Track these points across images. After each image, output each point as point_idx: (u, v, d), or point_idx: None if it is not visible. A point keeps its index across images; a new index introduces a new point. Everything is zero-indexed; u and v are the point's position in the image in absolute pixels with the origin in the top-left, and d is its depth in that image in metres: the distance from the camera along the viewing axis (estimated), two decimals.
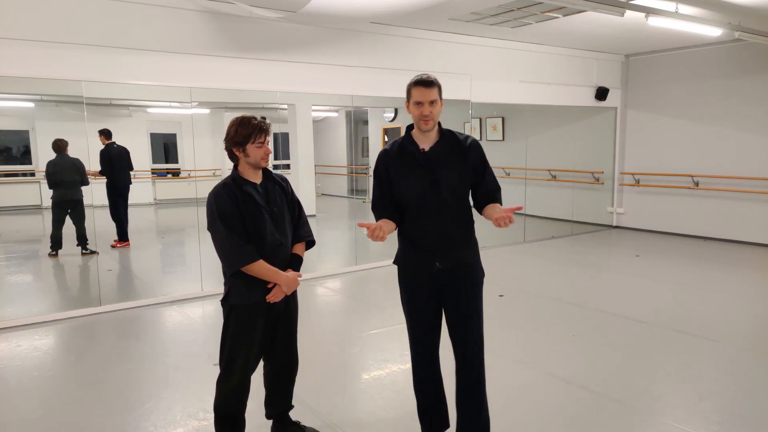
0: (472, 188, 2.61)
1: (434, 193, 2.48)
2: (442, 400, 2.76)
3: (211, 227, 2.55)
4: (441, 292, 2.58)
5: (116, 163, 7.77)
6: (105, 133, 7.80)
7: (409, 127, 2.60)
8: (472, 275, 2.59)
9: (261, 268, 2.53)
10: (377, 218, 2.56)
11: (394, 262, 2.69)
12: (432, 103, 2.45)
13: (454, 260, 2.54)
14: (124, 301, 5.42)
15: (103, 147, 7.75)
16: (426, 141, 2.53)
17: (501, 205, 2.55)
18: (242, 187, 2.55)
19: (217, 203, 2.52)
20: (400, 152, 2.56)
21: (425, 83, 2.44)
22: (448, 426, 2.78)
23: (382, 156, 2.61)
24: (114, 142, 7.84)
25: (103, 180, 7.78)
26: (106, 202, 7.82)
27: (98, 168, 7.65)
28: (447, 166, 2.51)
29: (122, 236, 7.91)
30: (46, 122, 10.66)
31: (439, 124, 2.58)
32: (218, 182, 2.61)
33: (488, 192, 2.58)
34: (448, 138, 2.56)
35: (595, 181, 9.65)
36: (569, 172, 9.86)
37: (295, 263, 2.72)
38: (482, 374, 2.63)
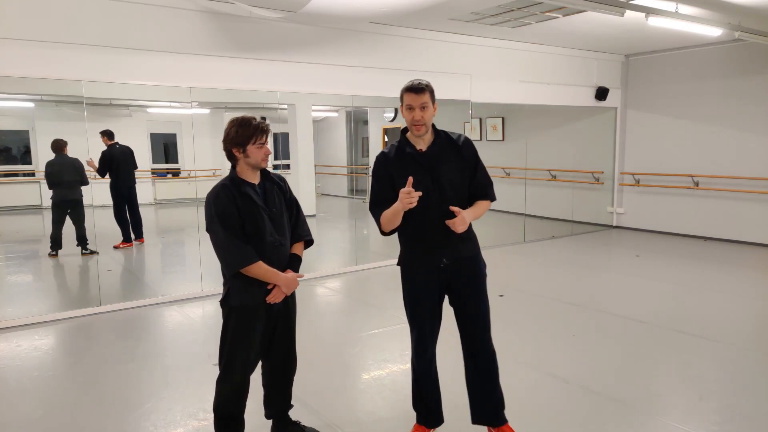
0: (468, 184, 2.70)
1: (437, 190, 2.55)
2: (438, 397, 2.85)
3: (209, 228, 2.54)
4: (446, 288, 2.68)
5: (119, 164, 7.74)
6: (107, 134, 7.75)
7: (404, 130, 2.68)
8: (477, 268, 2.70)
9: (260, 270, 2.52)
10: (377, 215, 2.63)
11: (398, 264, 2.74)
12: (423, 108, 2.52)
13: (459, 254, 2.64)
14: (124, 301, 5.42)
15: (105, 148, 7.73)
16: (422, 142, 2.63)
17: (492, 199, 2.71)
18: (241, 188, 2.54)
19: (215, 204, 2.50)
20: (398, 154, 2.63)
21: (415, 89, 2.51)
22: (442, 422, 2.87)
23: (382, 158, 2.68)
24: (117, 143, 7.81)
25: (104, 180, 7.77)
26: (107, 202, 7.82)
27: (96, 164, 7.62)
28: (445, 163, 2.60)
29: (137, 235, 7.98)
30: (46, 122, 10.65)
31: (433, 125, 2.66)
32: (216, 183, 2.59)
33: (479, 187, 2.68)
34: (442, 138, 2.65)
35: (595, 181, 9.65)
36: (569, 172, 9.86)
37: (294, 263, 2.72)
38: (493, 359, 2.75)
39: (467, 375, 2.78)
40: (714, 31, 6.43)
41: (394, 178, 2.59)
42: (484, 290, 2.72)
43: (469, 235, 2.69)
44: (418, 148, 2.62)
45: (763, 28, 6.58)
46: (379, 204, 2.63)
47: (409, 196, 2.42)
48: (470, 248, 2.69)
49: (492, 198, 2.72)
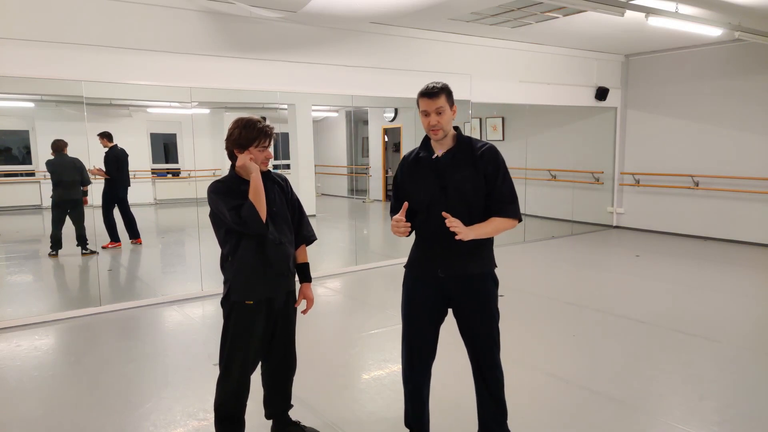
0: (486, 197, 2.48)
1: (443, 199, 2.43)
2: (426, 412, 2.72)
3: (211, 214, 2.58)
4: (447, 302, 2.56)
5: (122, 166, 7.78)
6: (107, 136, 7.76)
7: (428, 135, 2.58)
8: (483, 286, 2.50)
9: (253, 196, 2.47)
10: None
11: (405, 266, 2.67)
12: (438, 113, 2.39)
13: (458, 270, 2.47)
14: (124, 301, 5.42)
15: (107, 149, 7.73)
16: (441, 148, 2.50)
17: (513, 217, 2.46)
18: (240, 187, 2.54)
19: (216, 193, 2.53)
20: (415, 158, 2.57)
21: (428, 94, 2.39)
22: None
23: (402, 162, 2.64)
24: (116, 145, 7.84)
25: (101, 180, 7.78)
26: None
27: (103, 168, 7.65)
28: (458, 172, 2.44)
29: (133, 235, 7.99)
30: (46, 122, 10.66)
31: (459, 131, 2.53)
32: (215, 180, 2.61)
33: (495, 202, 2.45)
34: (463, 145, 2.50)
35: (595, 181, 9.65)
36: (569, 172, 9.86)
37: (305, 273, 2.81)
38: (500, 380, 2.60)
39: (476, 388, 2.63)
40: (714, 31, 6.43)
41: (407, 182, 2.55)
42: (490, 309, 2.51)
43: (481, 252, 2.48)
44: (435, 153, 2.49)
45: (763, 28, 6.58)
46: (393, 210, 2.59)
47: (396, 225, 2.39)
48: (478, 265, 2.47)
49: (511, 215, 2.45)
